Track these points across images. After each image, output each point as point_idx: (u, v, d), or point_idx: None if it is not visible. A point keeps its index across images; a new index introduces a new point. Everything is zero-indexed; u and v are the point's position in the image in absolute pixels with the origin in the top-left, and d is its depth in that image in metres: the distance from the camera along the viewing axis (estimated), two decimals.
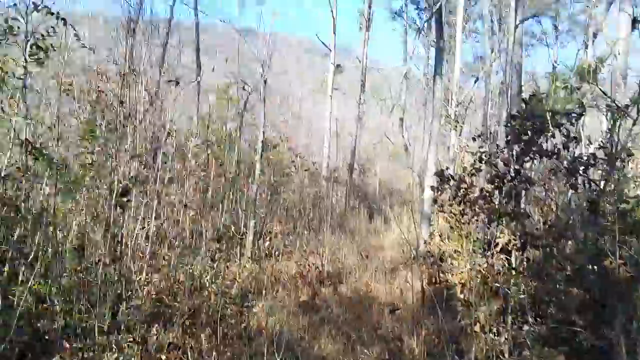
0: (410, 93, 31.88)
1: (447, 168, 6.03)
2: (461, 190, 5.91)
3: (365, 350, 5.62)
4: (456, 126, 20.97)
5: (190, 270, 5.29)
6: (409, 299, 7.99)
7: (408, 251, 11.66)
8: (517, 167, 5.24)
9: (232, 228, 8.58)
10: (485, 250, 5.39)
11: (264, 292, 7.19)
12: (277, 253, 10.50)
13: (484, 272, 5.29)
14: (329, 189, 17.13)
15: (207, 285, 5.35)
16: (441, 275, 8.88)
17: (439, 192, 7.16)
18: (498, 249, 5.15)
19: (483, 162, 5.68)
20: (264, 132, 10.19)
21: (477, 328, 5.14)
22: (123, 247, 5.69)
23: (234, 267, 8.64)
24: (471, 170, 5.95)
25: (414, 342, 5.82)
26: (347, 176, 20.16)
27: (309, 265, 7.80)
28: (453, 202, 6.29)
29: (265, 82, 10.14)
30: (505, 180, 5.34)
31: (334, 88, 21.91)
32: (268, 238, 10.08)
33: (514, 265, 5.13)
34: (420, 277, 8.21)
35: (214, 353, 4.79)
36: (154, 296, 5.15)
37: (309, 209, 13.49)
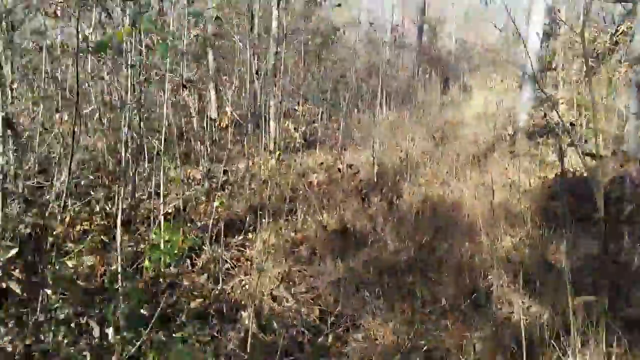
0: None
1: None
2: None
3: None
4: None
5: None
6: (516, 211, 4.65)
7: (501, 127, 8.02)
8: None
9: (229, 114, 5.34)
10: None
11: (267, 217, 4.07)
12: (311, 145, 7.33)
13: None
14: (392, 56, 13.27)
15: None
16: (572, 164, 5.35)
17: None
18: None
19: None
20: None
21: None
22: None
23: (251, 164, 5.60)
24: None
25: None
26: (416, 39, 15.96)
27: (342, 166, 4.50)
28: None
29: None
30: None
31: None
32: (298, 124, 6.84)
33: None
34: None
35: None
36: None
37: (363, 80, 9.92)
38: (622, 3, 9.36)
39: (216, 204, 3.51)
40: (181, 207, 3.86)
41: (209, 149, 5.75)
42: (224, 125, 4.94)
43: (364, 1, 15.95)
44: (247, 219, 4.17)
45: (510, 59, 14.69)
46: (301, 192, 4.64)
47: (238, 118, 5.40)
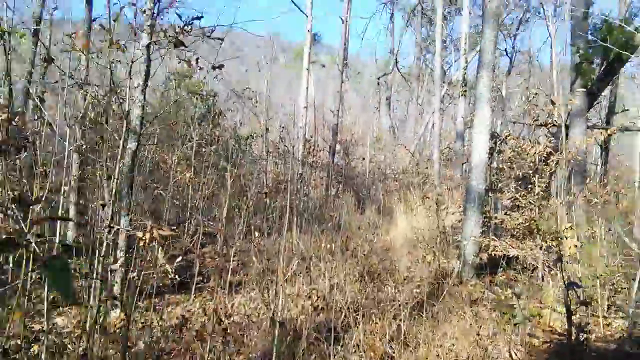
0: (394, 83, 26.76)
1: None
2: None
3: None
4: (465, 92, 15.58)
5: None
6: None
7: (441, 260, 6.11)
8: None
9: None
10: None
11: None
12: (187, 284, 4.99)
13: None
14: (304, 172, 11.55)
15: None
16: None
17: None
18: None
19: None
20: None
21: None
22: None
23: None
24: None
25: None
26: (329, 157, 14.60)
27: None
28: None
29: None
30: None
31: (311, 61, 16.34)
32: (172, 252, 4.50)
33: None
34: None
35: None
36: None
37: (269, 195, 7.84)
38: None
39: None
40: None
41: None
42: None
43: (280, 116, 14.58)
44: None
45: (425, 181, 13.57)
46: None
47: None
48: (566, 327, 4.10)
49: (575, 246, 2.85)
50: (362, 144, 17.37)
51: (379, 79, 20.97)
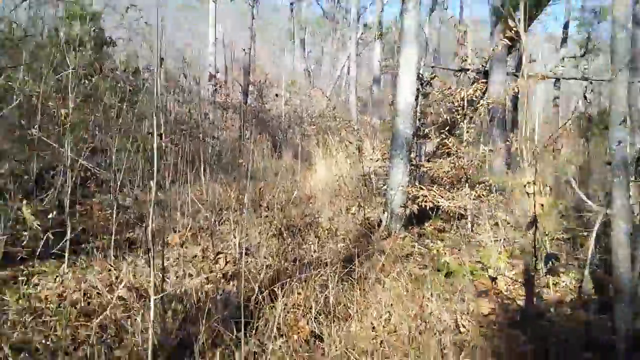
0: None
1: None
2: None
3: None
4: (381, 35, 14.92)
5: None
6: None
7: (367, 210, 5.55)
8: None
9: None
10: None
11: None
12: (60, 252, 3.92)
13: None
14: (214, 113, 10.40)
15: None
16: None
17: None
18: None
19: None
20: None
21: None
22: None
23: None
24: None
25: None
26: (242, 98, 13.47)
27: None
28: None
29: None
30: None
31: None
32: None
33: None
34: None
35: None
36: None
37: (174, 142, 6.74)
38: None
39: None
40: None
41: None
42: None
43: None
44: None
45: (344, 124, 12.95)
46: None
47: None
48: (510, 287, 3.72)
49: (542, 205, 2.32)
50: (277, 86, 16.30)
51: (292, 4, 19.67)
